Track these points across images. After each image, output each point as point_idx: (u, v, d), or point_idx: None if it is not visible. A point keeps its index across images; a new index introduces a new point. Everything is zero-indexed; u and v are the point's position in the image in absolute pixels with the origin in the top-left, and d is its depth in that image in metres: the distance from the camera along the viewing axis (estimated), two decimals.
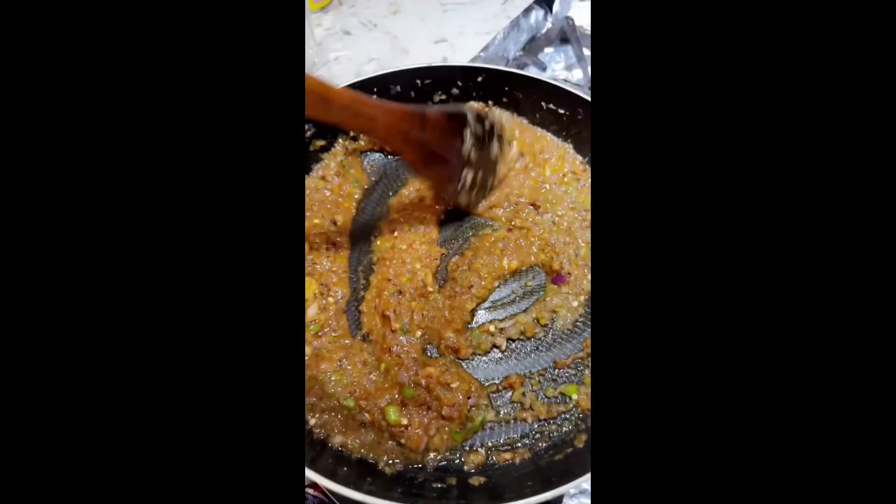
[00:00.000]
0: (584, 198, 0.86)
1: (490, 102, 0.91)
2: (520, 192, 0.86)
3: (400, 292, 0.77)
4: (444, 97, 0.91)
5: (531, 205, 0.85)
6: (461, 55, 1.12)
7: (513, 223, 0.84)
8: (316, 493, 0.69)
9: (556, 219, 0.84)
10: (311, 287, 0.77)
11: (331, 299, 0.78)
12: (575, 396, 0.72)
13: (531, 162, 0.88)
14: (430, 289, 0.78)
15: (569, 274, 0.79)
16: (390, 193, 0.89)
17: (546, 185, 0.87)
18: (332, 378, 0.71)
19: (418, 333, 0.75)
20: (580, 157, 0.91)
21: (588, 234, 0.81)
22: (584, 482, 0.58)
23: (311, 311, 0.76)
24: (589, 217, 0.83)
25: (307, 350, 0.73)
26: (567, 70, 1.10)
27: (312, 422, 0.68)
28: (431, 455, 0.67)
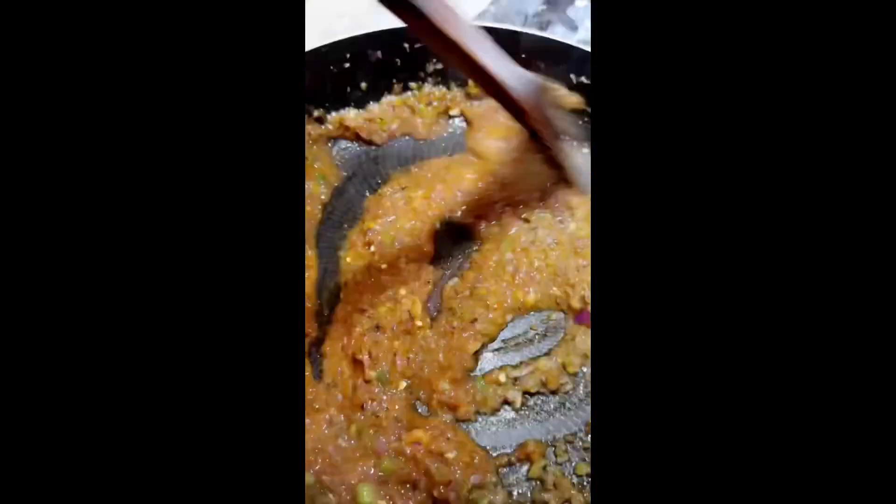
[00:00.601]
0: None
1: None
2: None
3: (377, 327, 0.70)
4: (440, 66, 0.84)
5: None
6: (464, 11, 1.01)
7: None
8: None
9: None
10: None
11: None
12: None
13: None
14: (419, 322, 0.70)
15: None
16: (366, 192, 0.81)
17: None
18: None
19: (402, 384, 0.67)
20: None
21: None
22: None
23: None
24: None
25: None
26: None
27: None
28: None
